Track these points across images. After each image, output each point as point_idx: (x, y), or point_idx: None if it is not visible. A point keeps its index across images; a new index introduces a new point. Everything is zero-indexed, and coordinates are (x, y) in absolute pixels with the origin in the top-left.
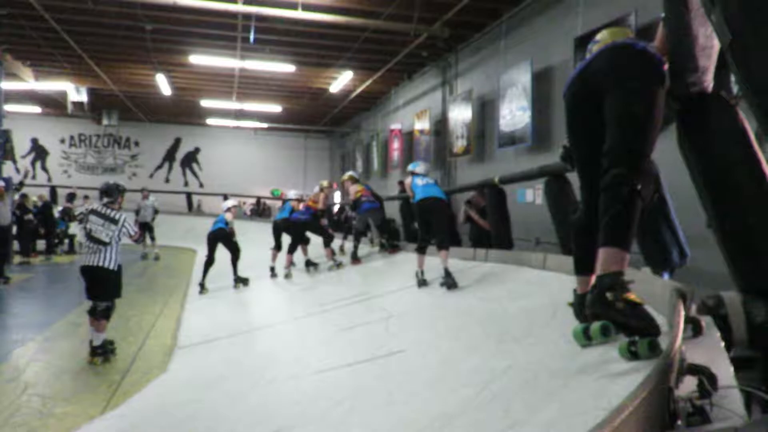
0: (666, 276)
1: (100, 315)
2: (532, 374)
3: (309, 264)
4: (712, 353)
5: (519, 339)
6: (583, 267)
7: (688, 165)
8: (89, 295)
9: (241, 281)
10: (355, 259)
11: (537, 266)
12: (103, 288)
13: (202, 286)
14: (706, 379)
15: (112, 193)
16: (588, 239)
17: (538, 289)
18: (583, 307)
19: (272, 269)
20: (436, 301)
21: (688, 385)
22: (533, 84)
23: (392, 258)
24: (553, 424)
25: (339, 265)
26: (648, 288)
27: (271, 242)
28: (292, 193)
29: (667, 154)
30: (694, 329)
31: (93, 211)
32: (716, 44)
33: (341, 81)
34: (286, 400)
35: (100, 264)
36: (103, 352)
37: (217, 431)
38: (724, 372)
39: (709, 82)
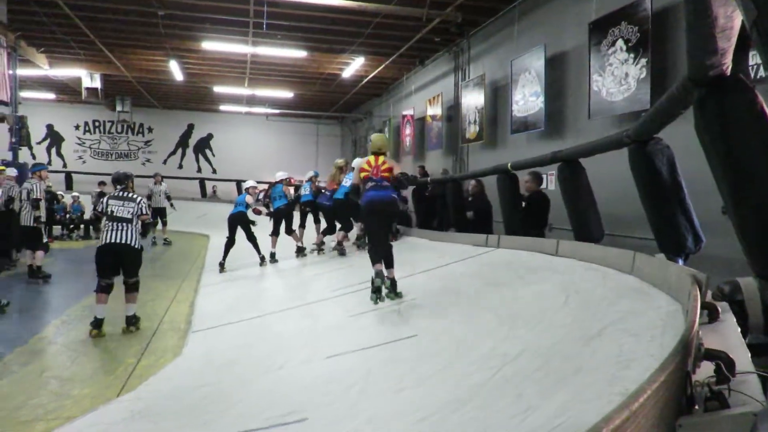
0: (681, 262)
1: (131, 288)
2: (545, 359)
3: (299, 251)
4: (729, 339)
5: (531, 324)
6: None
7: (705, 150)
8: (109, 273)
9: (266, 259)
10: (362, 246)
11: (549, 252)
12: (129, 264)
13: (221, 265)
14: (724, 364)
15: (122, 180)
16: None
17: (551, 275)
18: None
19: (273, 255)
20: (447, 286)
21: (706, 370)
22: (546, 69)
23: (400, 244)
24: (566, 409)
25: (343, 253)
26: (663, 274)
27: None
28: (279, 175)
29: (681, 139)
30: (710, 315)
31: (111, 197)
32: (736, 25)
33: (353, 67)
34: (298, 384)
35: (126, 242)
36: (135, 321)
37: (230, 414)
38: (741, 357)
39: (728, 64)
